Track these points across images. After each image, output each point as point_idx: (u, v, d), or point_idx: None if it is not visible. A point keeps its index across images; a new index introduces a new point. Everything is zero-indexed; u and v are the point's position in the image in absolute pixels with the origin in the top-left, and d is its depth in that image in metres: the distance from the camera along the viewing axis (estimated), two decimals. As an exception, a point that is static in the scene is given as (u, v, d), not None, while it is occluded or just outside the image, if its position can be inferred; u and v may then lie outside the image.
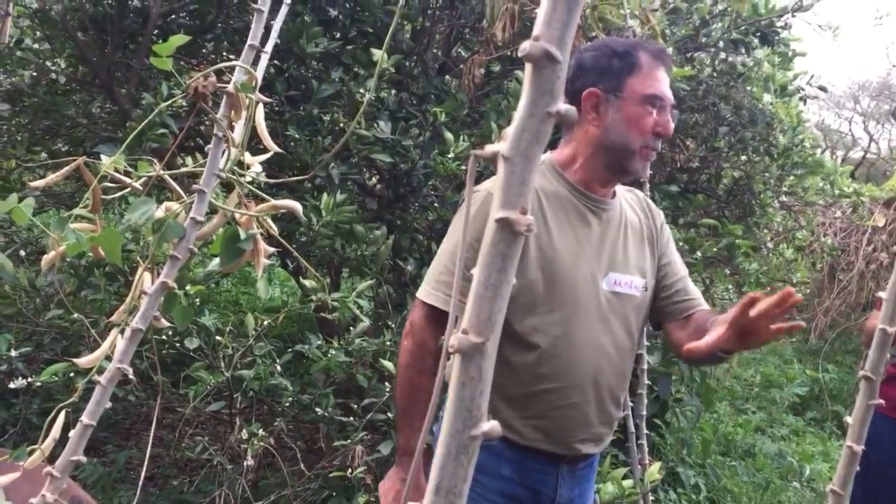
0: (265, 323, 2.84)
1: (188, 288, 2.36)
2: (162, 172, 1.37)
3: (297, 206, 1.38)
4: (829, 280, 7.60)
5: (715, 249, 3.83)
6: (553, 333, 1.86)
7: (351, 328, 2.80)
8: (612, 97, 1.83)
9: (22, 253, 3.00)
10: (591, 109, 1.86)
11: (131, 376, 1.21)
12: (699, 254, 3.71)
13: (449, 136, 3.02)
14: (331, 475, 2.70)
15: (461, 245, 1.91)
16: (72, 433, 1.23)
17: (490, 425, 0.56)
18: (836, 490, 1.20)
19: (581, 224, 1.91)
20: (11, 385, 2.40)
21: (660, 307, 2.01)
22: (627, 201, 2.05)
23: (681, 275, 2.03)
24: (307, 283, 2.75)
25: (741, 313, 1.55)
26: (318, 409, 2.76)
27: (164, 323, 1.31)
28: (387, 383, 2.76)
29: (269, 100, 1.35)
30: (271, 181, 1.46)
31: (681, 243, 3.65)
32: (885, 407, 3.09)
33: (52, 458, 1.29)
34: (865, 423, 1.23)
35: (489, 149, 0.58)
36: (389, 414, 2.69)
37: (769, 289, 4.35)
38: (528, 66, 0.57)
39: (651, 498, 3.28)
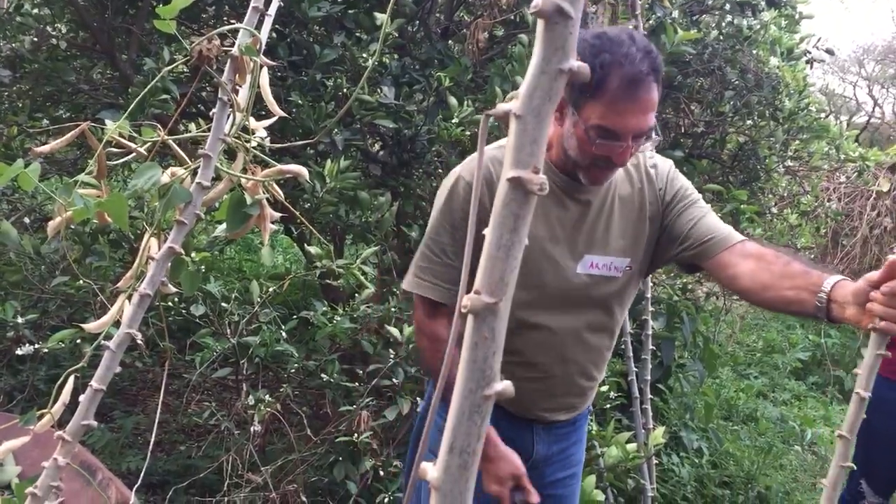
0: (270, 290, 2.84)
1: (193, 255, 2.36)
2: (166, 137, 1.36)
3: (302, 170, 1.37)
4: (833, 245, 7.60)
5: (719, 215, 3.82)
6: (517, 317, 1.82)
7: (356, 295, 2.80)
8: (571, 109, 1.72)
9: (26, 220, 3.00)
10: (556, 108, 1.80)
11: (140, 341, 1.21)
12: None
13: (453, 101, 2.99)
14: (337, 440, 2.72)
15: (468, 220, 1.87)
16: (81, 398, 1.23)
17: (503, 385, 0.57)
18: (843, 434, 1.22)
19: (556, 206, 1.85)
20: (18, 352, 2.41)
21: (688, 256, 1.88)
22: (623, 173, 1.92)
23: (697, 217, 1.87)
24: (312, 249, 2.75)
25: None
26: (323, 376, 2.77)
27: (172, 289, 1.31)
28: (391, 350, 2.77)
29: (273, 63, 1.34)
30: (275, 145, 1.45)
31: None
32: (889, 370, 3.12)
33: (60, 424, 1.30)
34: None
35: (501, 108, 0.58)
36: (395, 380, 2.70)
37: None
38: (539, 23, 0.56)
39: (654, 461, 3.31)
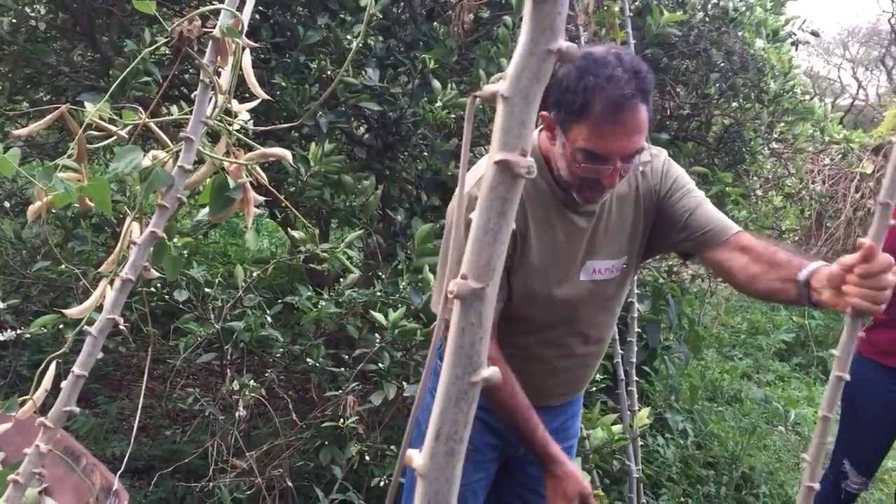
0: (254, 274, 2.83)
1: (176, 240, 2.34)
2: (148, 120, 1.34)
3: (286, 153, 1.36)
4: (817, 227, 7.64)
5: (704, 197, 3.83)
6: (527, 323, 1.90)
7: (341, 279, 2.79)
8: (559, 130, 1.73)
9: (6, 204, 2.96)
10: (548, 129, 1.79)
11: (123, 326, 1.20)
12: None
13: (437, 84, 2.97)
14: (323, 425, 2.71)
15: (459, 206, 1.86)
16: (63, 384, 1.22)
17: (490, 371, 0.56)
18: (826, 415, 1.22)
19: (562, 223, 1.86)
20: (0, 337, 2.39)
21: (684, 247, 1.92)
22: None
23: (692, 208, 1.88)
24: (296, 233, 2.73)
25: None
26: (309, 360, 2.76)
27: (154, 273, 1.30)
28: (377, 334, 2.76)
29: (255, 44, 1.32)
30: (259, 128, 1.43)
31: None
32: (872, 351, 3.14)
33: (43, 410, 1.29)
34: (850, 353, 1.26)
35: (488, 89, 0.57)
36: (380, 364, 2.69)
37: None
38: (527, 3, 0.55)
39: (640, 443, 3.33)
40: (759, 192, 4.78)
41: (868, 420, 3.13)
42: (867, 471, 3.18)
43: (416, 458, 0.57)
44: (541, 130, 1.84)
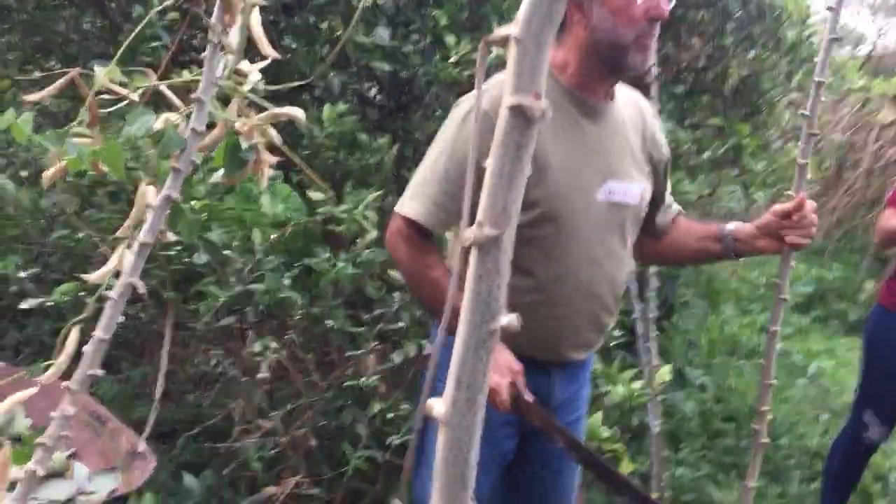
0: (272, 237, 2.83)
1: (193, 203, 2.34)
2: (159, 83, 1.33)
3: (299, 112, 1.35)
4: (836, 178, 7.55)
5: (721, 150, 3.79)
6: (543, 247, 1.83)
7: (357, 240, 2.79)
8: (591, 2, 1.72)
9: (23, 174, 2.98)
10: (575, 10, 1.76)
11: (142, 290, 1.20)
12: (706, 154, 3.67)
13: (450, 40, 2.94)
14: (344, 385, 2.73)
15: (473, 141, 1.80)
16: (85, 348, 1.23)
17: (509, 318, 0.55)
18: (773, 330, 1.32)
19: (575, 130, 1.84)
20: (22, 305, 2.41)
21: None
22: (625, 97, 1.97)
23: (665, 187, 2.08)
24: (313, 195, 2.73)
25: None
26: (328, 322, 2.77)
27: (171, 236, 1.30)
28: (395, 294, 2.76)
29: (264, 2, 1.30)
30: (270, 87, 1.42)
31: (687, 144, 3.60)
32: (889, 301, 3.12)
33: (66, 376, 1.30)
34: (787, 276, 1.85)
35: (500, 32, 0.56)
36: (401, 323, 2.70)
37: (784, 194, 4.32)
38: (538, -58, 0.54)
39: (659, 398, 3.34)
40: (777, 144, 4.72)
41: (886, 369, 3.13)
42: (889, 420, 3.19)
43: (437, 405, 0.57)
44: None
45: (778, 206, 1.84)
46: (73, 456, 2.05)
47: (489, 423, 1.96)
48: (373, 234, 2.76)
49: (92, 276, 1.35)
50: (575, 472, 2.17)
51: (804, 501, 3.62)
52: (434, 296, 1.87)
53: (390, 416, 2.66)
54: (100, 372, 1.23)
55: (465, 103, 1.88)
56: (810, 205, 1.80)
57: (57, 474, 1.93)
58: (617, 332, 3.23)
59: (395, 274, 2.66)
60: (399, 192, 3.30)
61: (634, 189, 1.91)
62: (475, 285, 0.55)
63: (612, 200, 1.88)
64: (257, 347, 2.59)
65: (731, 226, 1.96)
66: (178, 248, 2.67)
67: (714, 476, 3.73)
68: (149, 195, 1.28)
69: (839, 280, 6.79)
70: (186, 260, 2.73)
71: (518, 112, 0.54)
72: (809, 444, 4.11)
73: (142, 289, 1.24)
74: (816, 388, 4.96)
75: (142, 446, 1.86)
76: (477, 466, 1.84)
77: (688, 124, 3.88)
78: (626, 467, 3.14)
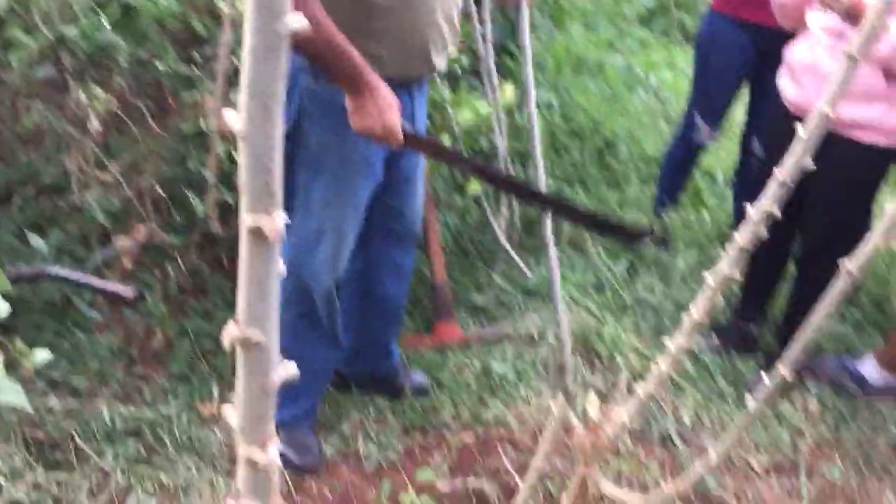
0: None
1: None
2: None
3: None
4: None
5: None
6: None
7: (179, -28, 2.56)
8: None
9: None
10: None
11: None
12: None
13: None
14: (186, 131, 2.63)
15: None
16: None
17: (298, 20, 0.52)
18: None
19: None
20: None
21: None
22: None
23: None
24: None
25: None
26: (158, 65, 2.60)
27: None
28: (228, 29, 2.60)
29: None
30: None
31: None
32: (724, 5, 3.22)
33: None
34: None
35: None
36: (235, 60, 2.57)
37: None
38: None
39: (506, 119, 3.41)
40: None
41: (718, 72, 3.30)
42: (714, 119, 3.41)
43: (233, 119, 0.54)
44: None
45: None
46: None
47: (370, 160, 2.02)
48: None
49: None
50: (422, 180, 2.38)
51: (641, 202, 3.91)
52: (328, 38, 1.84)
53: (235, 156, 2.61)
54: None
55: None
56: None
57: None
58: (463, 57, 3.21)
59: (223, 6, 2.48)
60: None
61: None
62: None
63: None
64: (82, 97, 2.42)
65: None
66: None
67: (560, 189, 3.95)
68: None
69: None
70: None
71: None
72: (648, 152, 4.36)
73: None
74: (655, 99, 5.19)
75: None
76: (361, 200, 1.89)
77: None
78: (477, 186, 3.28)
